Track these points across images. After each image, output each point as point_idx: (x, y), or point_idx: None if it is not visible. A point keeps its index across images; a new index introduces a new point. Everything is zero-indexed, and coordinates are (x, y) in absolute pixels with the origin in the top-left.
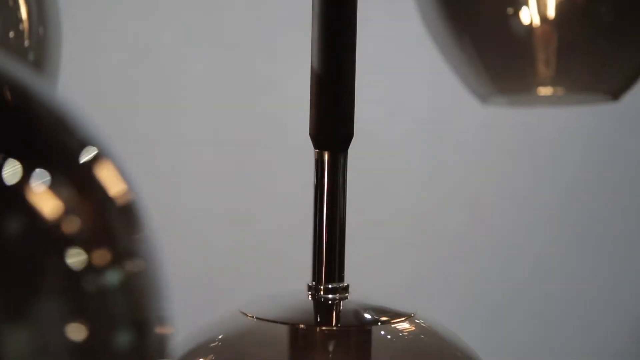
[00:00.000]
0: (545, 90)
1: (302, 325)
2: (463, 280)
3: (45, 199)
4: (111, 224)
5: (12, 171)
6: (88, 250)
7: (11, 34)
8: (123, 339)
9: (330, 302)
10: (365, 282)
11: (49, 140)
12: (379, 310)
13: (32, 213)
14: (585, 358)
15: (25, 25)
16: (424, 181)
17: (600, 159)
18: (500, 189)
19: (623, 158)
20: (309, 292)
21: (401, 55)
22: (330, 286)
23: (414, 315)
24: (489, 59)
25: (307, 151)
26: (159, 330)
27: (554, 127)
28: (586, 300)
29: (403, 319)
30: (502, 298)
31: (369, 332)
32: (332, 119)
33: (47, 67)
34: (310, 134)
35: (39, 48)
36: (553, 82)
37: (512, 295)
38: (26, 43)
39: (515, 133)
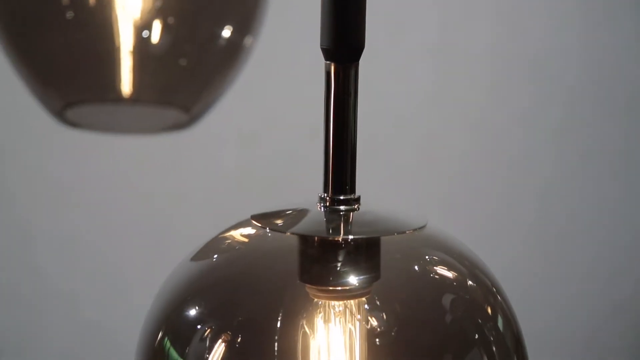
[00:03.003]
0: (118, 102)
1: (313, 236)
2: (465, 200)
3: None
4: None
5: None
6: None
7: None
8: None
9: (341, 212)
10: (368, 198)
11: None
12: (390, 221)
13: None
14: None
15: None
16: (429, 100)
17: (605, 77)
18: (505, 109)
19: (629, 79)
20: (320, 203)
21: None
22: (341, 197)
23: (426, 226)
24: (57, 70)
25: (313, 67)
26: None
27: (559, 47)
28: (591, 220)
29: (415, 229)
30: (503, 217)
31: (381, 243)
32: (343, 29)
33: None
34: (322, 46)
35: None
36: (129, 96)
37: (514, 215)
38: None
39: (522, 54)
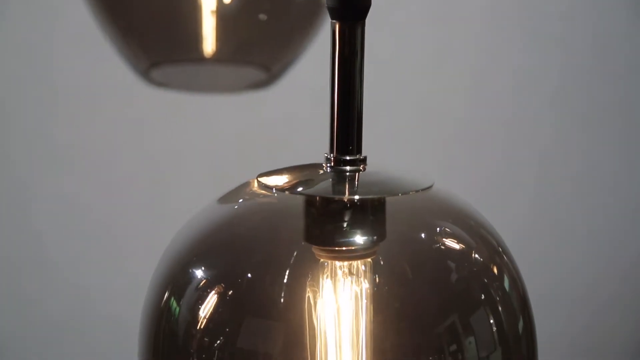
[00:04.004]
0: (201, 61)
1: (319, 196)
2: (465, 164)
3: None
4: None
5: None
6: None
7: None
8: None
9: (347, 173)
10: (374, 158)
11: None
12: (396, 182)
13: None
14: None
15: None
16: (428, 64)
17: (609, 45)
18: (504, 74)
19: (631, 47)
20: (327, 164)
21: None
22: (347, 158)
23: (432, 186)
24: (143, 31)
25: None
26: None
27: (558, 11)
28: (588, 185)
29: (421, 190)
30: (502, 181)
31: (387, 203)
32: None
33: None
34: (327, 5)
35: None
36: (211, 55)
37: (513, 178)
38: None
39: (522, 17)
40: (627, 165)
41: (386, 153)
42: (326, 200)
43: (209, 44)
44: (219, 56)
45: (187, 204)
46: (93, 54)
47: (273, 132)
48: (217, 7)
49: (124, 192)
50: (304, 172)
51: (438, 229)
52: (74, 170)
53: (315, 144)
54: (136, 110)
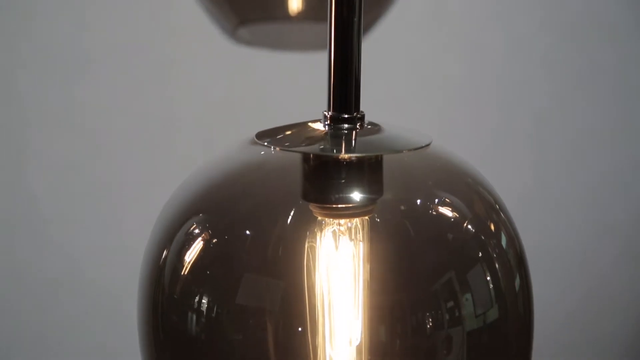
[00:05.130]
0: (287, 19)
1: (317, 154)
2: (461, 126)
3: None
4: None
5: None
6: None
7: None
8: None
9: (345, 130)
10: (373, 116)
11: None
12: (394, 140)
13: None
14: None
15: None
16: (425, 26)
17: (605, 4)
18: (500, 35)
19: (627, 4)
20: (324, 122)
21: None
22: (346, 115)
23: (430, 144)
24: None
25: None
26: None
27: None
28: (581, 146)
29: (419, 148)
30: (499, 142)
31: (384, 161)
32: None
33: None
34: None
35: None
36: (297, 14)
37: (511, 140)
38: None
39: None
40: (623, 123)
41: (384, 112)
42: (324, 158)
43: (295, 2)
44: (305, 14)
45: (181, 165)
46: (88, 15)
47: (266, 94)
48: None
49: (118, 154)
50: (302, 129)
51: (435, 186)
52: (68, 132)
53: (308, 106)
54: (130, 72)
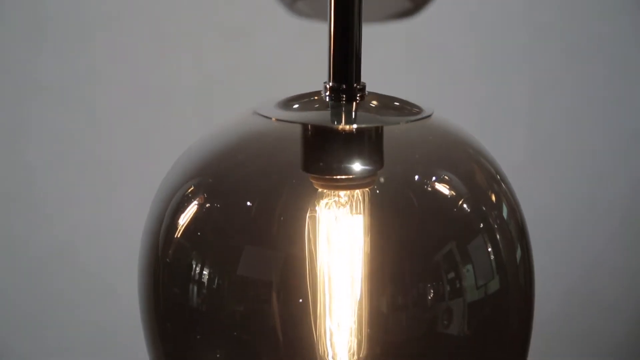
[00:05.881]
0: None
1: (317, 125)
2: (459, 95)
3: None
4: None
5: None
6: None
7: None
8: None
9: (346, 102)
10: (374, 87)
11: None
12: (395, 111)
13: None
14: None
15: None
16: None
17: None
18: (496, 7)
19: None
20: (325, 93)
21: None
22: (347, 86)
23: (431, 115)
24: None
25: None
26: None
27: None
28: (582, 115)
29: (420, 118)
30: (496, 114)
31: (385, 132)
32: None
33: None
34: None
35: None
36: None
37: (503, 114)
38: None
39: None
40: (621, 93)
41: (385, 83)
42: (324, 130)
43: None
44: None
45: (179, 138)
46: None
47: (265, 66)
48: None
49: (115, 127)
50: (302, 101)
51: (436, 157)
52: (64, 104)
53: (308, 78)
54: (126, 44)
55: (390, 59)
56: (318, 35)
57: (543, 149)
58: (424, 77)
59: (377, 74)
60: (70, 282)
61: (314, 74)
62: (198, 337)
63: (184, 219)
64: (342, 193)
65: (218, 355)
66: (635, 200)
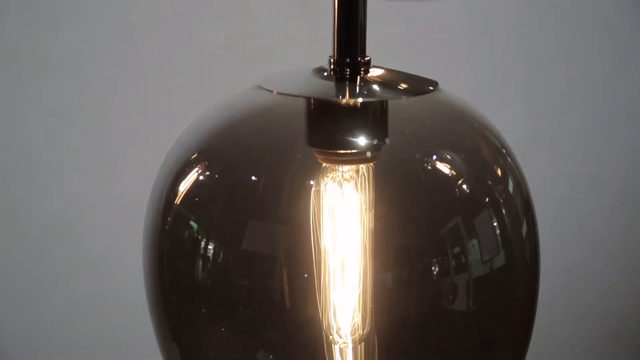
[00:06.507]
0: None
1: (322, 99)
2: (458, 69)
3: None
4: None
5: None
6: None
7: None
8: None
9: (351, 76)
10: (379, 61)
11: None
12: (401, 84)
13: None
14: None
15: None
16: None
17: None
18: None
19: None
20: (330, 67)
21: None
22: (352, 60)
23: (436, 89)
24: None
25: None
26: None
27: None
28: (581, 91)
29: (425, 93)
30: (496, 88)
31: (390, 106)
32: None
33: None
34: None
35: None
36: None
37: (502, 89)
38: None
39: None
40: (620, 64)
41: (390, 57)
42: (328, 104)
43: None
44: None
45: (179, 112)
46: None
47: (267, 40)
48: None
49: (114, 101)
50: (307, 75)
51: (441, 131)
52: (62, 77)
53: (310, 54)
54: (124, 19)
55: (395, 33)
56: (324, 9)
57: (541, 123)
58: (429, 51)
59: (382, 48)
60: (67, 256)
61: (318, 48)
62: (203, 310)
63: (189, 193)
64: (346, 168)
65: (223, 329)
66: (635, 172)
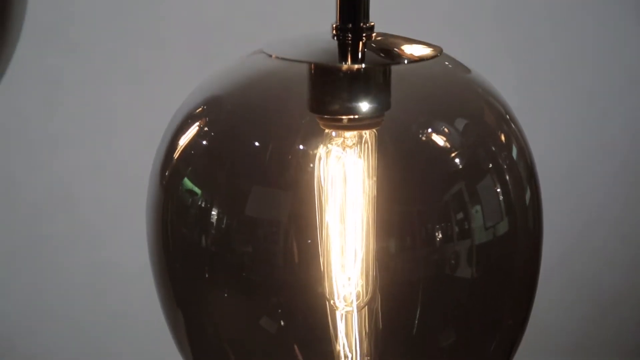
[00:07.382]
0: None
1: (324, 65)
2: (458, 42)
3: None
4: None
5: None
6: None
7: None
8: None
9: (354, 41)
10: (383, 27)
11: None
12: (404, 50)
13: None
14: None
15: None
16: None
17: None
18: None
19: None
20: (333, 32)
21: None
22: (355, 25)
23: (440, 54)
24: None
25: None
26: None
27: None
28: (578, 57)
29: (428, 58)
30: (495, 54)
31: (393, 71)
32: None
33: None
34: None
35: None
36: None
37: (495, 61)
38: None
39: None
40: (617, 33)
41: (393, 22)
42: (331, 69)
43: None
44: None
45: (177, 81)
46: None
47: (265, 9)
48: None
49: (113, 70)
50: (310, 40)
51: (445, 97)
52: (58, 50)
53: (316, 18)
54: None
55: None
56: None
57: (538, 93)
58: (432, 17)
59: (386, 13)
60: (67, 227)
61: (321, 16)
62: (207, 276)
63: (191, 161)
64: (348, 134)
65: (226, 295)
66: (634, 142)
